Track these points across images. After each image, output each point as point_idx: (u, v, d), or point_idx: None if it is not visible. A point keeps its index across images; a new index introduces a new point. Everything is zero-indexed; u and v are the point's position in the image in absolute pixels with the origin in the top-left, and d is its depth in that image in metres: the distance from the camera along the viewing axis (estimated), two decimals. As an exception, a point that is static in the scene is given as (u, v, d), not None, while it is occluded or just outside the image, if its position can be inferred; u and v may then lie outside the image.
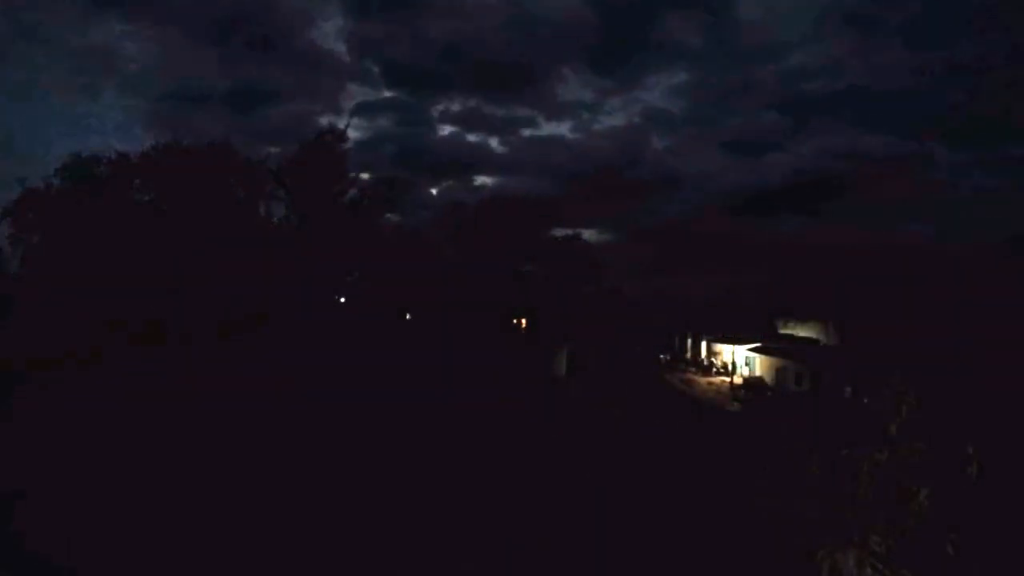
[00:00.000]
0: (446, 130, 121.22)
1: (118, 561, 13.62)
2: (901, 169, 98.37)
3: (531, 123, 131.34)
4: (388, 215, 42.03)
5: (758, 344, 43.67)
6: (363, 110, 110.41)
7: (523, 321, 52.31)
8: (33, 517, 15.17)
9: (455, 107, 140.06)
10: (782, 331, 51.84)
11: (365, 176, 40.28)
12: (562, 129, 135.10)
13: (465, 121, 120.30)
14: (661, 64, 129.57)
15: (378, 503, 17.15)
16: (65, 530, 14.52)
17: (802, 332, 50.30)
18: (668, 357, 53.75)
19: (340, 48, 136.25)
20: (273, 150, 42.04)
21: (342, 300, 43.97)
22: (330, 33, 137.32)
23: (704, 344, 51.55)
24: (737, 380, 41.61)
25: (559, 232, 49.10)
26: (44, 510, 15.58)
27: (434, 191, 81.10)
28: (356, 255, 39.92)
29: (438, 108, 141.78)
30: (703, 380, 43.90)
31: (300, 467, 19.44)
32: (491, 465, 20.35)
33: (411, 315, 47.66)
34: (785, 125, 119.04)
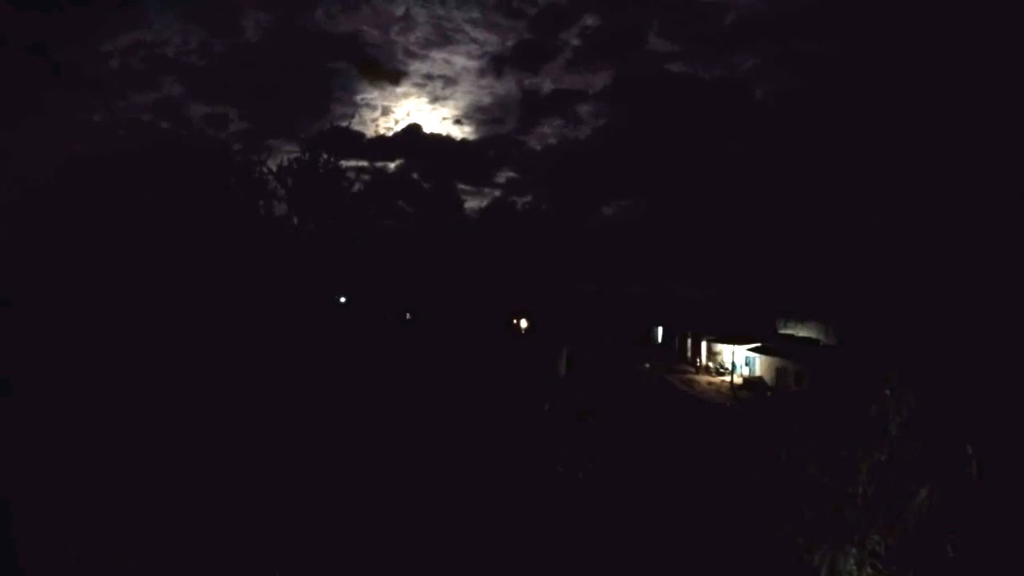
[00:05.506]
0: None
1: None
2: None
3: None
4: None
5: (758, 344, 43.65)
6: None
7: (523, 321, 52.27)
8: (27, 524, 15.13)
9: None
10: (782, 331, 51.74)
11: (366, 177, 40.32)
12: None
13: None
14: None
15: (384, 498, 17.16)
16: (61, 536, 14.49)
17: (802, 332, 50.20)
18: (668, 357, 53.70)
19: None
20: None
21: (342, 300, 43.95)
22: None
23: (704, 344, 51.50)
24: (737, 380, 41.65)
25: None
26: (38, 517, 15.53)
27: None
28: (356, 255, 39.92)
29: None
30: (703, 380, 43.87)
31: (306, 469, 19.41)
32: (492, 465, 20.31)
33: (411, 316, 47.62)
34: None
